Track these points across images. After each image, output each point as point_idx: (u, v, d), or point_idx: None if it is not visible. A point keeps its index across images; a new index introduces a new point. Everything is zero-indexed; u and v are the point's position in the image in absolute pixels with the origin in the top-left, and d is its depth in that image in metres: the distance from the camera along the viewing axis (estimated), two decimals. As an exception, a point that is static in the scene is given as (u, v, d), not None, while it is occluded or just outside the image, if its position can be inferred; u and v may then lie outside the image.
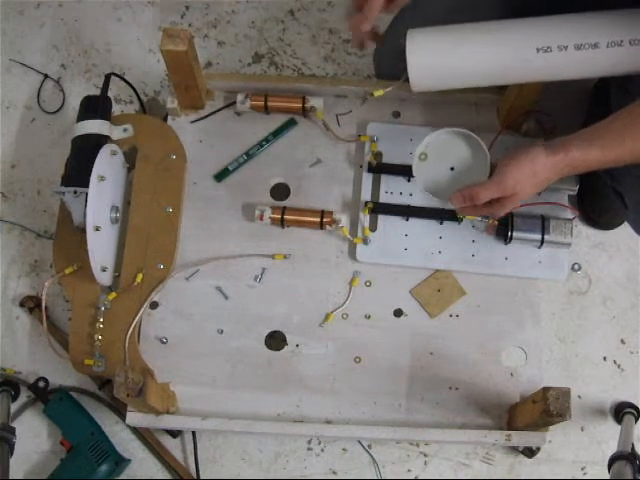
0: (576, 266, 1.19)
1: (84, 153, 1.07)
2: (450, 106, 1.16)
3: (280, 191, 1.16)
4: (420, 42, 0.91)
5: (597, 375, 1.16)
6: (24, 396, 1.14)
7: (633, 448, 0.95)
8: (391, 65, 1.21)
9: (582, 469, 1.13)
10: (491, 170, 0.89)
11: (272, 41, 1.35)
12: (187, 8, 1.37)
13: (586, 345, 1.17)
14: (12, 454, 0.98)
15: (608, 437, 1.13)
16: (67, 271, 1.08)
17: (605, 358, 1.17)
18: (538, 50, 0.88)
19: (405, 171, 1.12)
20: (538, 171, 0.81)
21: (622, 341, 1.17)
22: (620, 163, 0.81)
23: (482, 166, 0.88)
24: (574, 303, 1.19)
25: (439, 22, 0.93)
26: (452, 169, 0.90)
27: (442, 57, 0.91)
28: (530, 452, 1.10)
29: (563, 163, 0.80)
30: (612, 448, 0.97)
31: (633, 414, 1.10)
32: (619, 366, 1.16)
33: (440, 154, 0.91)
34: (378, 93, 1.01)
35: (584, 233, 1.21)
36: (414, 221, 1.11)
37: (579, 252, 1.20)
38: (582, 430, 1.14)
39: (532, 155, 0.81)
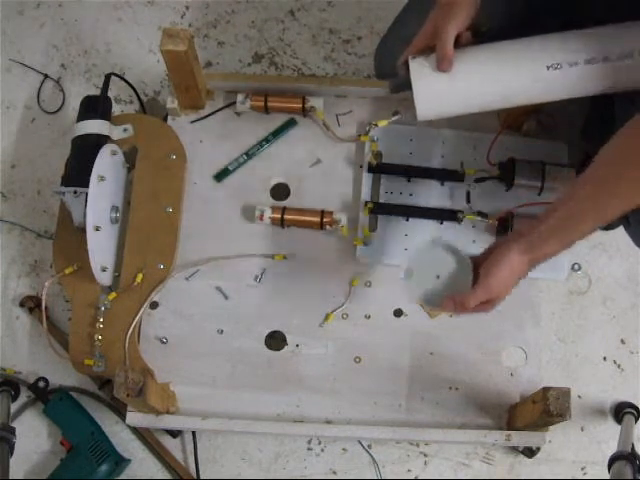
0: (576, 266, 1.19)
1: (84, 153, 1.07)
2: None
3: (280, 191, 1.16)
4: (424, 74, 0.89)
5: (597, 375, 1.16)
6: (24, 396, 1.14)
7: (633, 448, 0.95)
8: (392, 65, 1.21)
9: (582, 469, 1.13)
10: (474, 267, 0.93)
11: (272, 41, 1.35)
12: (187, 8, 1.37)
13: (586, 345, 1.17)
14: (12, 454, 0.98)
15: (608, 437, 1.13)
16: (67, 271, 1.08)
17: (605, 358, 1.17)
18: (548, 68, 0.87)
19: (405, 171, 1.13)
20: (516, 271, 0.87)
21: (622, 341, 1.17)
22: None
23: (465, 270, 0.94)
24: (574, 303, 1.19)
25: None
26: (438, 277, 0.95)
27: (449, 87, 0.89)
28: (530, 452, 1.10)
29: (537, 261, 0.86)
30: (612, 448, 0.97)
31: (633, 414, 1.10)
32: (619, 366, 1.16)
33: (425, 266, 0.95)
34: (382, 123, 1.10)
35: (584, 233, 1.20)
36: (414, 221, 1.11)
37: (579, 252, 1.19)
38: (582, 430, 1.14)
39: (509, 257, 0.87)
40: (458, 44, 0.89)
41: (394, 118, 1.09)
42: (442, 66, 0.88)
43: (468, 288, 0.90)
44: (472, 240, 1.10)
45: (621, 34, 0.86)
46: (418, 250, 0.96)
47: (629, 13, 0.86)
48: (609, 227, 1.19)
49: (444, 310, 0.92)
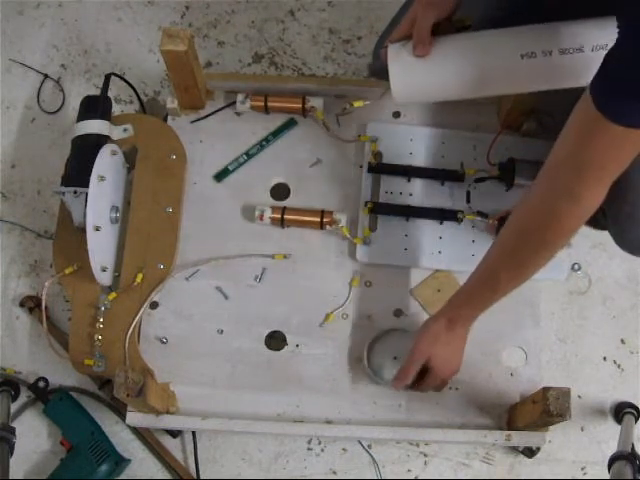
0: (576, 266, 1.19)
1: (84, 153, 1.07)
2: (450, 106, 1.16)
3: (280, 191, 1.16)
4: (401, 57, 0.90)
5: (597, 375, 1.16)
6: (24, 396, 1.14)
7: (633, 448, 0.95)
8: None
9: (582, 469, 1.13)
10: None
11: (272, 41, 1.35)
12: (187, 8, 1.37)
13: (586, 345, 1.17)
14: (12, 454, 0.98)
15: (608, 437, 1.13)
16: (67, 271, 1.08)
17: (605, 358, 1.17)
18: (522, 57, 0.87)
19: (405, 171, 1.12)
20: (434, 331, 0.96)
21: (622, 341, 1.17)
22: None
23: None
24: (574, 303, 1.19)
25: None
26: (395, 358, 1.05)
27: (424, 71, 0.91)
28: (530, 452, 1.10)
29: (456, 321, 0.95)
30: (612, 448, 0.97)
31: (633, 414, 1.10)
32: (619, 366, 1.16)
33: (388, 346, 1.06)
34: (358, 104, 1.12)
35: (584, 233, 1.20)
36: (414, 221, 1.11)
37: (579, 252, 1.20)
38: (582, 430, 1.14)
39: (426, 322, 0.98)
40: (437, 33, 0.90)
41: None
42: (417, 50, 0.89)
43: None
44: (472, 240, 1.10)
45: (596, 26, 0.86)
46: (378, 337, 1.06)
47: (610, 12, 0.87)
48: (601, 227, 1.19)
49: (394, 387, 1.01)
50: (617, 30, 0.70)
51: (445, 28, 0.90)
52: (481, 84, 0.91)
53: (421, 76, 0.91)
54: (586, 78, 0.87)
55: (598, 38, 0.85)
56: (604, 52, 0.83)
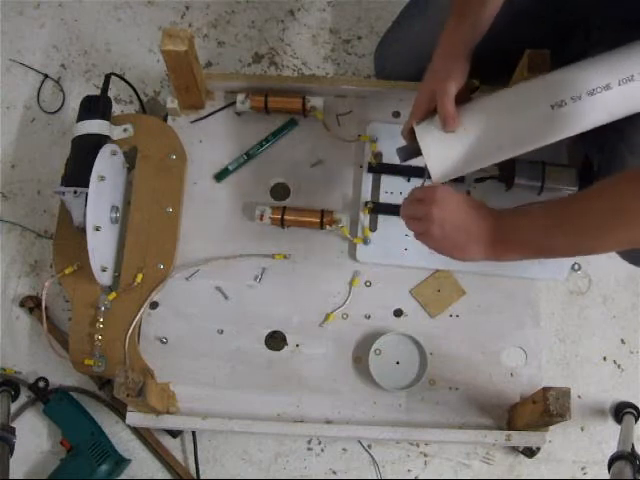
0: (576, 266, 1.19)
1: (84, 153, 1.07)
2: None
3: (280, 191, 1.16)
4: (433, 136, 0.89)
5: (597, 375, 1.16)
6: (24, 396, 1.14)
7: (633, 448, 0.95)
8: (391, 66, 1.22)
9: (582, 469, 1.13)
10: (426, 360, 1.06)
11: (272, 41, 1.35)
12: (187, 8, 1.37)
13: (586, 345, 1.17)
14: (12, 454, 0.99)
15: (608, 437, 1.13)
16: (67, 271, 1.08)
17: (605, 358, 1.17)
18: (553, 107, 0.86)
19: (405, 171, 1.12)
20: (460, 201, 0.85)
21: (622, 341, 1.17)
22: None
23: (422, 360, 1.06)
24: (574, 303, 1.19)
25: (442, 23, 0.92)
26: (398, 363, 1.06)
27: (459, 143, 0.89)
28: (530, 452, 1.10)
29: (484, 209, 0.84)
30: (612, 448, 0.97)
31: (633, 414, 1.10)
32: (619, 366, 1.16)
33: (390, 350, 1.06)
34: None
35: (584, 233, 1.20)
36: (414, 221, 1.11)
37: (579, 252, 1.19)
38: (582, 430, 1.14)
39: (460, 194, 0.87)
40: (457, 102, 0.89)
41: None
42: (448, 126, 0.88)
43: (420, 378, 1.04)
44: (472, 240, 1.10)
45: (618, 59, 0.85)
46: (389, 334, 1.06)
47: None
48: None
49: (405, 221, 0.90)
50: None
51: (460, 94, 0.90)
52: (516, 143, 0.89)
53: (458, 149, 0.89)
54: (619, 113, 0.87)
55: (623, 71, 0.85)
56: (632, 83, 0.83)
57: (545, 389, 0.94)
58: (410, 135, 0.93)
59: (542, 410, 0.93)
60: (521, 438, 1.03)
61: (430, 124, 0.90)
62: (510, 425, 1.05)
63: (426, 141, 0.90)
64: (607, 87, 0.85)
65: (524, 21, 1.01)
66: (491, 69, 1.02)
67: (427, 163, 0.90)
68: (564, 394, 0.93)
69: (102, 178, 1.03)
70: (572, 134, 0.89)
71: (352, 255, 1.11)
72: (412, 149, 0.93)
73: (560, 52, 1.02)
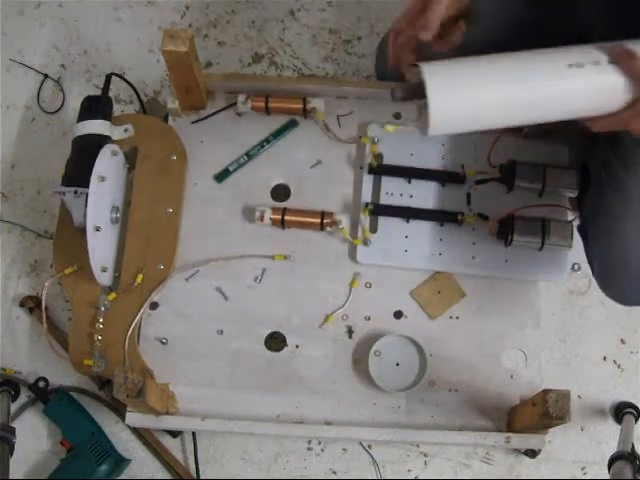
0: (576, 266, 1.19)
1: (84, 153, 1.07)
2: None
3: (280, 192, 1.16)
4: (442, 80, 0.78)
5: (597, 375, 1.16)
6: (24, 396, 1.15)
7: (633, 448, 0.95)
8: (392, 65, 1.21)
9: (582, 469, 1.13)
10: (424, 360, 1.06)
11: (272, 41, 1.35)
12: (187, 8, 1.37)
13: (586, 345, 1.17)
14: (12, 454, 0.99)
15: (608, 437, 1.13)
16: (67, 271, 1.08)
17: (605, 358, 1.17)
18: (570, 66, 0.79)
19: (406, 173, 1.12)
20: None
21: (622, 341, 1.18)
22: None
23: (422, 361, 1.06)
24: (574, 303, 1.19)
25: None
26: (397, 364, 1.06)
27: (470, 96, 0.78)
28: (532, 452, 1.10)
29: None
30: (612, 448, 0.97)
31: (633, 414, 1.11)
32: (619, 366, 1.17)
33: (390, 352, 1.06)
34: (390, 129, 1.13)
35: (584, 234, 1.21)
36: (414, 223, 1.11)
37: (579, 252, 1.19)
38: (582, 430, 1.14)
39: None
40: (451, 31, 0.83)
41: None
42: (422, 34, 0.81)
43: (419, 380, 1.04)
44: (472, 242, 1.10)
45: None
46: (388, 336, 1.06)
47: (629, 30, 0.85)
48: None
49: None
50: None
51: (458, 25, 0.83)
52: (531, 105, 0.81)
53: (468, 102, 0.78)
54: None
55: None
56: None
57: (545, 391, 0.93)
58: (411, 71, 0.81)
59: (542, 412, 0.93)
60: (520, 440, 1.03)
61: (440, 66, 0.78)
62: (510, 427, 1.05)
63: (434, 86, 0.77)
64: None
65: (523, 33, 1.01)
66: None
67: (430, 111, 0.77)
68: (564, 396, 0.93)
69: (102, 178, 1.03)
70: (585, 104, 0.81)
71: (352, 256, 1.11)
72: (412, 88, 0.80)
73: None
